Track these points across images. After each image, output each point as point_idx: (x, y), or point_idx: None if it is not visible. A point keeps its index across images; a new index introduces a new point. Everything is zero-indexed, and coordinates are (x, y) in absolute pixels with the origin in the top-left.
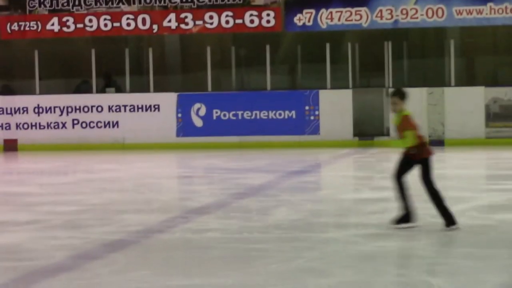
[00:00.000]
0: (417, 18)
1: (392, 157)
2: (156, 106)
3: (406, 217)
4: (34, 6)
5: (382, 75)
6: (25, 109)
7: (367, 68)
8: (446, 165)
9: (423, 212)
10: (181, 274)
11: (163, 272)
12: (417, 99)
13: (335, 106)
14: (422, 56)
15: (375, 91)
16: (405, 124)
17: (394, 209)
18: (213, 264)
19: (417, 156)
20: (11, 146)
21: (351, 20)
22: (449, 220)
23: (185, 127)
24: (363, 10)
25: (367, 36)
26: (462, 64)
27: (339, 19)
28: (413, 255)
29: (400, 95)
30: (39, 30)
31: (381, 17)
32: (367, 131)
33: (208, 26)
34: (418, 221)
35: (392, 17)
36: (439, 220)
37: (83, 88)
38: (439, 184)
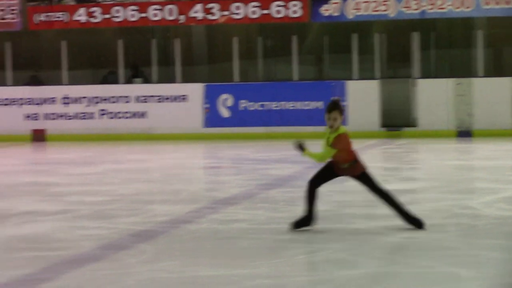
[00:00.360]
0: (444, 8)
1: (419, 148)
2: (183, 97)
3: (305, 220)
4: None
5: (409, 65)
6: (53, 99)
7: (394, 59)
8: (474, 156)
9: (450, 203)
10: (209, 265)
11: (191, 263)
12: (442, 90)
13: (362, 96)
14: (450, 46)
15: (402, 81)
16: (337, 143)
17: (422, 200)
18: (240, 254)
19: (349, 173)
20: (39, 136)
21: (378, 10)
22: (415, 223)
23: (212, 118)
24: (390, 0)
25: (394, 27)
26: (489, 55)
27: (366, 10)
28: (441, 246)
29: (340, 110)
30: (66, 20)
31: (408, 7)
32: (394, 122)
33: (234, 16)
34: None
35: (419, 7)
36: (467, 212)
37: (110, 78)
38: (466, 176)
